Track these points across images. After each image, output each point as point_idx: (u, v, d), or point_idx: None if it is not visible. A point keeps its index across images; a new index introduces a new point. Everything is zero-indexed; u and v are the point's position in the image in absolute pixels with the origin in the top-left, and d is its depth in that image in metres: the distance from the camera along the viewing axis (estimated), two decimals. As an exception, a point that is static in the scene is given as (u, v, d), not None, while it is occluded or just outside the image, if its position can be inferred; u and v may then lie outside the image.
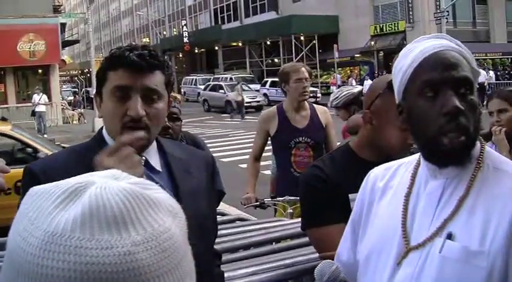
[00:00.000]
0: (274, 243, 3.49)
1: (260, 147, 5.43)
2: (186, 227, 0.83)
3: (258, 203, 5.21)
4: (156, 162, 2.02)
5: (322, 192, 2.42)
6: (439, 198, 1.59)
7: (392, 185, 1.76)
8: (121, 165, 1.57)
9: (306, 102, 5.31)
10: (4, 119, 11.68)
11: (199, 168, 2.16)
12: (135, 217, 0.74)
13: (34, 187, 0.79)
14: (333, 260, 1.93)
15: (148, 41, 79.89)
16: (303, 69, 5.22)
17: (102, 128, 2.04)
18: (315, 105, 5.51)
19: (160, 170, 2.02)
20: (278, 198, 5.10)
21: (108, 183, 0.77)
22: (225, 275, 2.39)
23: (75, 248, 0.70)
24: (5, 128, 9.92)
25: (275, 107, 5.51)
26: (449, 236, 1.52)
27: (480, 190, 1.55)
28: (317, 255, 2.73)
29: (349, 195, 2.35)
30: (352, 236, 1.88)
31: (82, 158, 1.85)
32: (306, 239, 3.33)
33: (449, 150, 1.54)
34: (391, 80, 2.36)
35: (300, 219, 3.93)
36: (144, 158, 1.94)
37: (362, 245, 1.79)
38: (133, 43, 2.00)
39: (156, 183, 1.92)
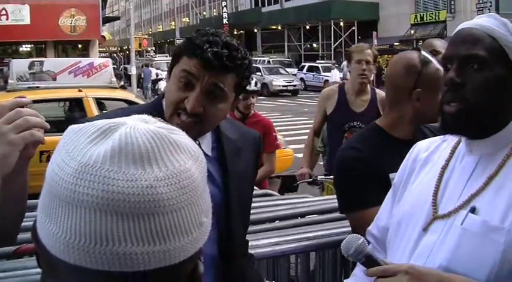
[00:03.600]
0: (299, 217, 3.56)
1: (320, 122, 5.38)
2: (206, 170, 0.91)
3: (311, 179, 5.21)
4: (208, 144, 2.03)
5: (364, 174, 2.39)
6: (471, 173, 1.67)
7: (433, 158, 1.84)
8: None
9: (368, 86, 5.11)
10: (123, 87, 12.10)
11: (249, 149, 2.17)
12: (159, 156, 0.82)
13: (73, 125, 0.89)
14: None
15: (188, 20, 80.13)
16: (368, 51, 4.99)
17: (164, 96, 2.02)
18: (378, 90, 5.22)
19: (210, 154, 2.02)
20: (332, 176, 4.97)
21: (137, 124, 0.85)
22: (249, 244, 2.44)
23: (103, 178, 0.78)
24: (131, 95, 10.65)
25: (337, 85, 5.38)
26: (473, 210, 1.60)
27: (511, 171, 1.61)
28: (339, 230, 2.80)
29: (390, 174, 2.32)
30: (392, 203, 1.95)
31: None
32: (329, 215, 3.41)
33: (447, 117, 1.67)
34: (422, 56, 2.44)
35: (327, 197, 4.01)
36: (197, 142, 1.95)
37: (396, 211, 1.87)
38: (220, 33, 1.90)
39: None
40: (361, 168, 2.40)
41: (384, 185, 2.25)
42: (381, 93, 5.14)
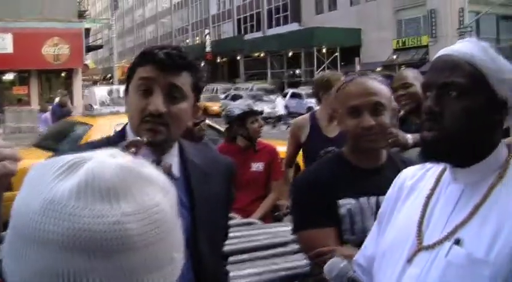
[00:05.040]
0: (282, 246, 3.53)
1: (292, 154, 5.33)
2: (176, 203, 0.89)
3: (288, 210, 5.02)
4: (175, 167, 2.03)
5: (312, 196, 2.41)
6: (456, 202, 1.61)
7: (419, 186, 1.78)
8: None
9: None
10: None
11: (219, 176, 2.16)
12: (127, 190, 0.80)
13: (40, 161, 0.87)
14: (322, 260, 1.97)
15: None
16: (343, 78, 5.06)
17: (127, 124, 2.04)
18: None
19: (178, 175, 2.02)
20: None
21: (104, 158, 0.83)
22: (230, 274, 2.43)
23: (69, 215, 0.76)
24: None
25: (308, 114, 5.35)
26: (457, 242, 1.54)
27: (497, 200, 1.55)
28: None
29: (338, 201, 2.36)
30: (377, 232, 1.90)
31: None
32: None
33: (426, 145, 1.62)
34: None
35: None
36: (169, 164, 1.99)
37: (381, 241, 1.82)
38: (167, 45, 2.07)
39: None
40: (311, 190, 2.43)
41: (332, 211, 2.36)
42: None
